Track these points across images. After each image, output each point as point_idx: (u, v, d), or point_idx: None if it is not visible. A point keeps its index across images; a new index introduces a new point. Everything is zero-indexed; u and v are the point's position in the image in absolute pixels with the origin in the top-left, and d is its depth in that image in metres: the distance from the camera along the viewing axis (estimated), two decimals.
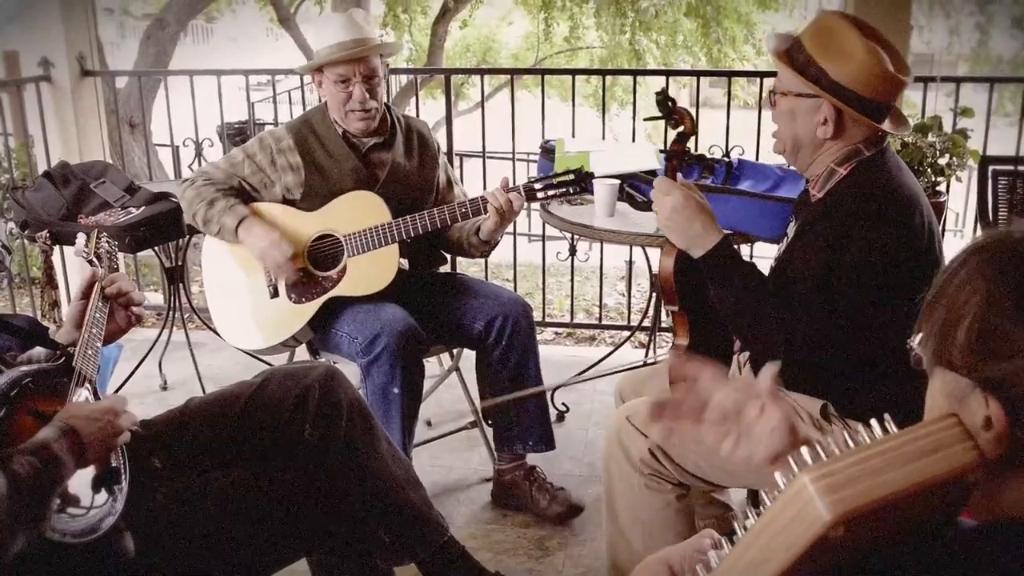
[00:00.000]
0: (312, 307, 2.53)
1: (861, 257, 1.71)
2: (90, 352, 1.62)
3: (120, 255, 1.99)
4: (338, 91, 2.49)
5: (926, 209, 1.80)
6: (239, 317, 2.65)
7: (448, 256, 2.87)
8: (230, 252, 2.62)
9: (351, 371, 2.36)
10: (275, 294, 2.57)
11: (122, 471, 1.55)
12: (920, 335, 0.92)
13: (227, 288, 2.66)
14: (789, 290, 1.82)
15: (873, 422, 0.77)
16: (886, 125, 1.82)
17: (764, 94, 1.95)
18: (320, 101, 2.64)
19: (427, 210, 2.47)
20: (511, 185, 2.47)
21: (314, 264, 2.56)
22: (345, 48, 2.46)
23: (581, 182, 2.44)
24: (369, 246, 2.48)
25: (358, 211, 2.51)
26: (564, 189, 2.45)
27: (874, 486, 0.71)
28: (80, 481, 1.47)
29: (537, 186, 2.46)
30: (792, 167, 2.03)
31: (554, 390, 3.25)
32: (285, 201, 2.58)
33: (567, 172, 2.46)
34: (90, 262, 1.80)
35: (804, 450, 0.76)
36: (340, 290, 2.52)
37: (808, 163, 1.88)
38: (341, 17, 2.52)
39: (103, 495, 1.50)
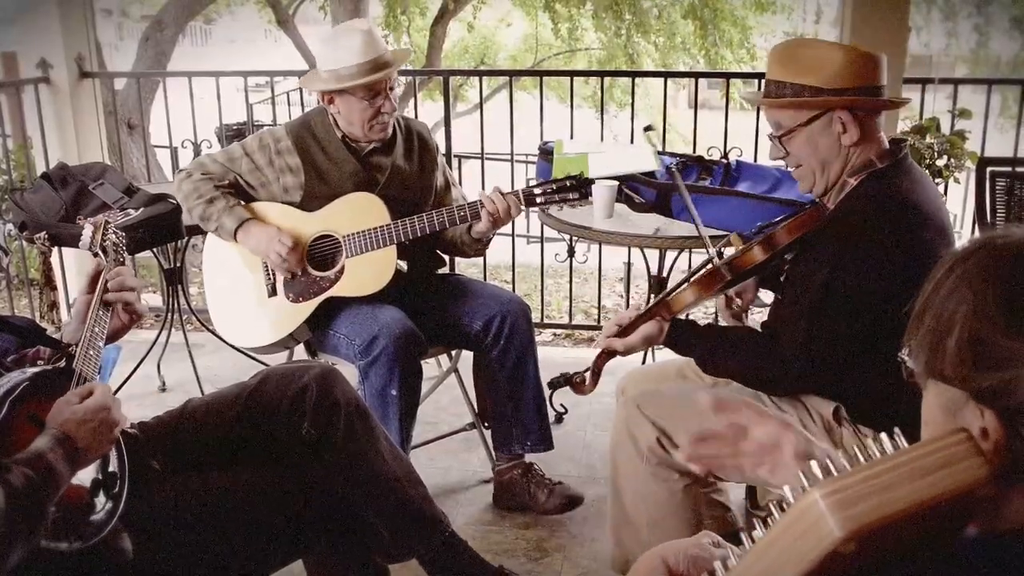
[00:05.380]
0: (309, 306, 2.53)
1: (863, 272, 1.70)
2: (91, 353, 1.61)
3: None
4: (364, 108, 2.49)
5: (942, 224, 1.77)
6: (236, 314, 2.65)
7: (446, 258, 2.87)
8: (231, 249, 2.62)
9: (350, 373, 2.37)
10: (273, 292, 2.57)
11: (120, 475, 1.54)
12: (910, 347, 0.90)
13: (226, 285, 2.67)
14: (780, 311, 1.84)
15: (883, 436, 0.76)
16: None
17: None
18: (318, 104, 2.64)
19: (425, 212, 2.48)
20: (506, 191, 2.47)
21: (312, 264, 2.56)
22: (375, 68, 2.45)
23: (581, 188, 2.44)
24: (367, 247, 2.48)
25: (357, 212, 2.51)
26: (564, 195, 2.45)
27: (885, 502, 0.71)
28: (78, 488, 1.47)
29: (536, 191, 2.46)
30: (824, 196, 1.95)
31: (553, 391, 3.24)
32: (285, 203, 2.59)
33: (567, 178, 2.45)
34: (95, 254, 1.79)
35: (814, 464, 0.75)
36: (337, 290, 2.52)
37: (836, 181, 1.85)
38: (358, 36, 2.46)
39: (102, 500, 1.50)
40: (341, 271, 2.53)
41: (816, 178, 1.85)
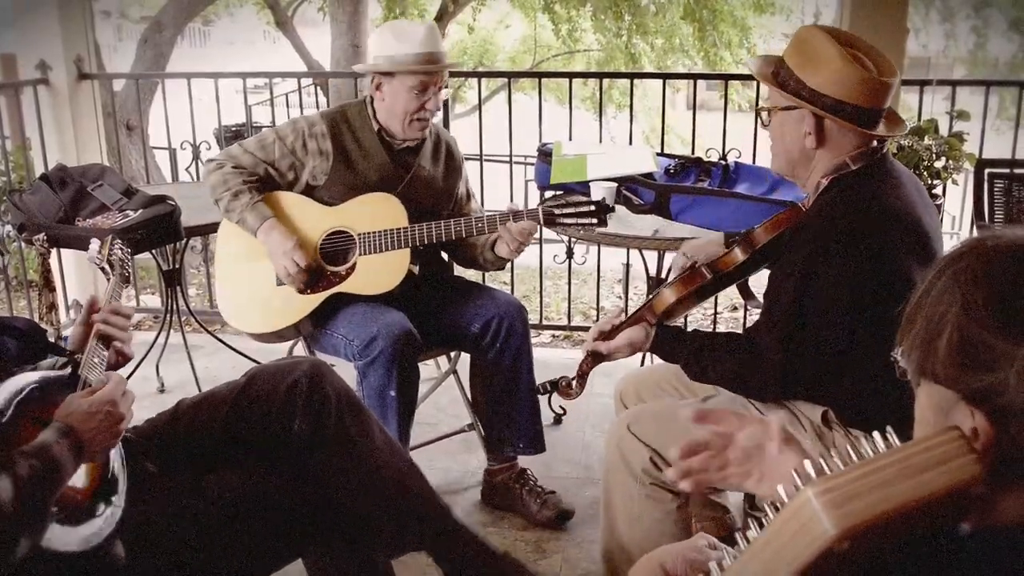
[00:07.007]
0: (316, 299, 2.53)
1: (832, 279, 1.70)
2: (95, 360, 1.61)
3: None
4: (410, 98, 2.51)
5: (918, 226, 1.75)
6: (242, 298, 2.65)
7: (452, 263, 2.89)
8: (245, 233, 2.61)
9: (350, 375, 2.37)
10: (281, 282, 2.57)
11: (121, 481, 1.54)
12: (902, 347, 0.91)
13: (235, 267, 2.66)
14: (762, 320, 1.84)
15: (876, 435, 0.77)
16: (881, 129, 1.79)
17: (759, 103, 1.97)
18: (355, 99, 2.65)
19: (443, 220, 2.50)
20: (519, 209, 2.49)
21: (324, 258, 2.56)
22: (433, 60, 2.50)
23: (600, 215, 2.46)
24: (381, 247, 2.50)
25: (376, 213, 2.53)
26: (583, 219, 2.47)
27: (879, 500, 0.71)
28: (79, 492, 1.47)
29: (557, 212, 2.47)
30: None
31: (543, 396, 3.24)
32: (308, 186, 2.60)
33: (590, 202, 2.49)
34: (102, 270, 1.79)
35: (808, 463, 0.76)
36: (346, 287, 2.52)
37: (805, 178, 1.87)
38: (423, 29, 2.53)
39: (102, 505, 1.50)
40: (352, 268, 2.53)
41: (782, 166, 1.90)
